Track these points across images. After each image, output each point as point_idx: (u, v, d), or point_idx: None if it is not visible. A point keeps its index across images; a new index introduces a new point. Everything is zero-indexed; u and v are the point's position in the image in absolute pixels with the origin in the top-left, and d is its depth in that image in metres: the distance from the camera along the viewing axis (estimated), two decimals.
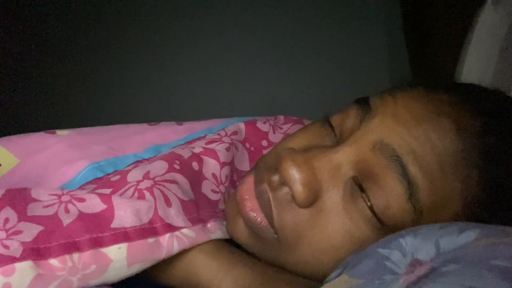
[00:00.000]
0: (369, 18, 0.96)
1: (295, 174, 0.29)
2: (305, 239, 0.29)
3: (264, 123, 0.45)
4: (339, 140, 0.31)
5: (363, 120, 0.30)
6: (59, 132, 0.40)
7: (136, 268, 0.28)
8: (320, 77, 0.97)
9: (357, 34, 0.96)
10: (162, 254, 0.29)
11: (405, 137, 0.28)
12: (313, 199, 0.29)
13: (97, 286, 0.27)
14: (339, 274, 0.25)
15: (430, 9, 0.79)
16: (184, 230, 0.30)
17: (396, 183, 0.27)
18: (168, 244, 0.29)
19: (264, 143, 0.43)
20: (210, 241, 0.31)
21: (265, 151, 0.42)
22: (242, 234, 0.32)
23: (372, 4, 0.96)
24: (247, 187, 0.31)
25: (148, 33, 0.98)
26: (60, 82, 0.97)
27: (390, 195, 0.27)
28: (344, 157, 0.29)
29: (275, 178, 0.30)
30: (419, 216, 0.27)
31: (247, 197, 0.31)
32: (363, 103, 0.31)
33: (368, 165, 0.28)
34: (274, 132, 0.44)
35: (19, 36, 0.97)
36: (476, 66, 0.60)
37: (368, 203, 0.28)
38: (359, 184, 0.28)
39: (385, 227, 0.28)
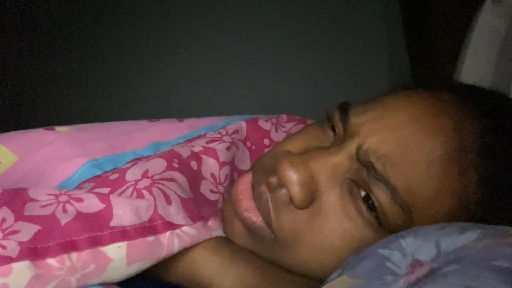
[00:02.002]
0: (369, 18, 0.96)
1: (292, 176, 0.29)
2: (304, 240, 0.29)
3: (266, 121, 0.44)
4: (335, 142, 0.32)
5: (348, 126, 0.30)
6: (59, 128, 0.40)
7: (136, 267, 0.28)
8: (320, 76, 0.97)
9: (357, 34, 0.96)
10: (163, 252, 0.29)
11: (385, 141, 0.28)
12: (310, 200, 0.29)
13: (100, 284, 0.27)
14: (340, 275, 0.25)
15: (430, 9, 0.79)
16: (185, 228, 0.30)
17: (376, 187, 0.28)
18: (168, 242, 0.29)
19: (266, 141, 0.43)
20: (212, 238, 0.31)
21: (266, 150, 0.42)
22: (239, 234, 0.32)
23: (372, 4, 0.96)
24: (243, 187, 0.32)
25: (150, 30, 0.98)
26: (60, 78, 0.97)
27: (377, 198, 0.28)
28: (339, 159, 0.30)
29: (273, 179, 0.30)
30: (409, 215, 0.28)
31: (242, 197, 0.31)
32: (344, 111, 0.31)
33: (357, 169, 0.29)
34: (276, 131, 0.44)
35: (19, 33, 0.97)
36: (475, 66, 0.61)
37: (362, 206, 0.28)
38: (355, 186, 0.29)
39: (383, 227, 0.28)
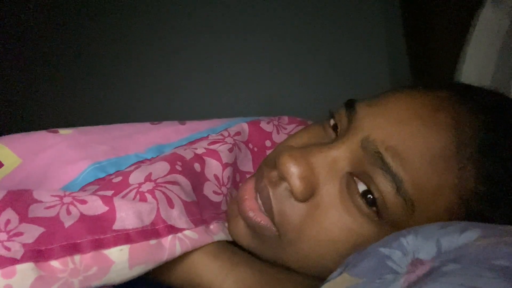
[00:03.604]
0: (369, 18, 0.96)
1: (291, 168, 0.29)
2: (305, 233, 0.30)
3: (268, 123, 0.45)
4: (338, 136, 0.32)
5: (352, 120, 0.31)
6: (62, 131, 0.40)
7: (138, 270, 0.28)
8: (321, 77, 0.97)
9: (357, 34, 0.96)
10: (164, 256, 0.29)
11: (392, 133, 0.28)
12: (310, 193, 0.30)
13: (101, 286, 0.27)
14: (340, 273, 0.25)
15: (430, 9, 0.79)
16: (187, 232, 0.30)
17: (382, 178, 0.28)
18: (170, 246, 0.29)
19: (268, 143, 0.43)
20: (213, 242, 0.31)
21: (268, 152, 0.43)
22: (242, 234, 0.32)
23: (372, 4, 0.96)
24: (248, 188, 0.32)
25: (151, 32, 0.99)
26: (63, 80, 0.98)
27: (380, 190, 0.28)
28: (339, 153, 0.30)
29: (274, 174, 0.31)
30: (411, 208, 0.28)
31: (247, 197, 0.31)
32: (350, 105, 0.32)
33: (359, 162, 0.29)
34: (278, 133, 0.44)
35: (21, 35, 0.97)
36: (476, 66, 0.61)
37: (363, 198, 0.28)
38: (354, 180, 0.29)
39: (382, 221, 0.28)
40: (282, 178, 0.30)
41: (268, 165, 0.32)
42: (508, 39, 0.58)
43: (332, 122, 0.33)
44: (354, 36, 0.96)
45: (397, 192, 0.27)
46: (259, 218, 0.31)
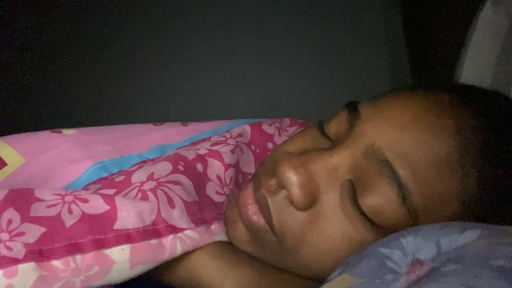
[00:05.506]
0: (369, 19, 0.96)
1: (292, 177, 0.29)
2: (305, 241, 0.29)
3: (270, 125, 0.45)
4: (335, 144, 0.31)
5: (355, 125, 0.30)
6: (65, 131, 0.40)
7: (139, 270, 0.28)
8: (321, 78, 0.98)
9: (358, 35, 0.97)
10: (165, 255, 0.29)
11: (397, 140, 0.28)
12: (311, 202, 0.29)
13: (102, 286, 0.27)
14: (340, 273, 0.25)
15: (430, 9, 0.79)
16: (188, 232, 0.30)
17: (388, 187, 0.27)
18: (171, 245, 0.29)
19: (270, 145, 0.43)
20: (214, 242, 0.31)
21: None
22: (243, 239, 0.32)
23: (372, 5, 0.97)
24: (249, 192, 0.31)
25: (153, 34, 0.99)
26: (66, 80, 0.98)
27: (384, 199, 0.27)
28: (339, 160, 0.29)
29: (273, 182, 0.30)
30: (415, 218, 0.27)
31: (250, 201, 0.31)
32: (352, 108, 0.31)
33: (361, 170, 0.28)
34: (279, 135, 0.44)
35: (23, 35, 0.97)
36: (476, 66, 0.61)
37: (362, 208, 0.28)
38: (354, 188, 0.28)
39: (383, 229, 0.28)
40: (282, 186, 0.30)
41: (265, 173, 0.31)
42: (508, 39, 0.58)
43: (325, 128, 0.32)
44: (354, 36, 0.96)
45: (402, 202, 0.27)
46: (262, 222, 0.30)
